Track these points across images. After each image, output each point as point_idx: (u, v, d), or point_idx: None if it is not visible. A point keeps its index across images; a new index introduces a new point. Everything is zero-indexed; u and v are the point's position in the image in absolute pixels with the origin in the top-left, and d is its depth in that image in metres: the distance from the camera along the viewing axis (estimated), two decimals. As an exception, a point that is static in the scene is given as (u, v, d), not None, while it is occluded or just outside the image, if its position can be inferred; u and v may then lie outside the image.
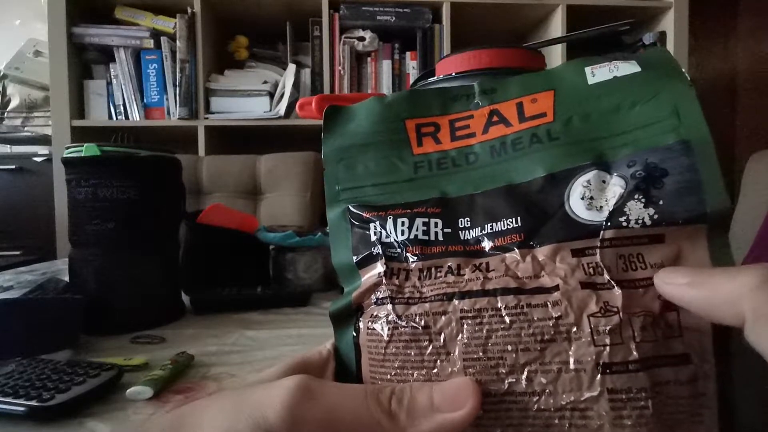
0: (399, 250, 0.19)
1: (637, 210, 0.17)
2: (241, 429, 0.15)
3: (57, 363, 0.40)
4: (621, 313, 0.15)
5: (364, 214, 0.20)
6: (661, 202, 0.16)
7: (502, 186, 0.19)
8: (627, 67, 0.19)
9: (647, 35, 1.69)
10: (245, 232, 0.75)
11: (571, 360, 0.15)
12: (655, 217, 0.16)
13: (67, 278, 0.60)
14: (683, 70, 0.18)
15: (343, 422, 0.15)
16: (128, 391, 0.38)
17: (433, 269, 0.18)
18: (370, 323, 0.19)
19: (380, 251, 0.19)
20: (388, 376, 0.18)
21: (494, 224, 0.19)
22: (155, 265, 0.60)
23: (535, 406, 0.16)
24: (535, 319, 0.16)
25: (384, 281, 0.19)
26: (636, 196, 0.17)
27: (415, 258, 0.19)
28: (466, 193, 0.20)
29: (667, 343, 0.15)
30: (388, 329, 0.18)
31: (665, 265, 0.16)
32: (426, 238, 0.19)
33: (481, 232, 0.19)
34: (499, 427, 0.16)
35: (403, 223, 0.19)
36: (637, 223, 0.16)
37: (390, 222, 0.20)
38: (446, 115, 0.21)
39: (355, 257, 0.20)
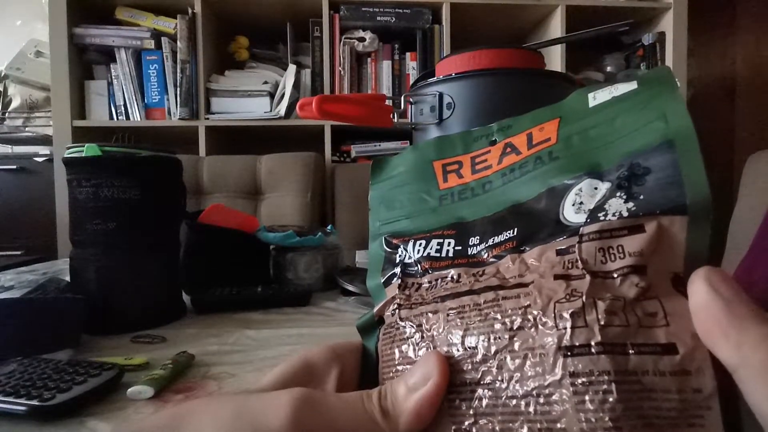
0: (416, 267, 0.22)
1: (617, 205, 0.17)
2: None
3: (58, 362, 0.41)
4: (584, 297, 0.16)
5: (393, 241, 0.23)
6: (641, 197, 0.17)
7: (508, 206, 0.21)
8: (625, 87, 0.20)
9: (646, 36, 1.69)
10: (245, 232, 0.76)
11: (536, 345, 0.16)
12: (633, 209, 0.17)
13: (68, 278, 0.60)
14: (675, 78, 0.19)
15: (343, 429, 0.16)
16: (129, 390, 0.38)
17: (439, 280, 0.20)
18: (384, 331, 0.21)
19: (399, 270, 0.22)
20: (390, 374, 0.20)
21: (495, 237, 0.20)
22: (156, 264, 0.60)
23: (505, 393, 0.16)
24: (508, 310, 0.17)
25: (398, 292, 0.21)
26: (618, 194, 0.17)
27: (427, 271, 0.21)
28: (480, 216, 0.22)
29: (646, 331, 0.15)
30: (393, 332, 0.20)
31: (644, 253, 0.16)
32: (438, 255, 0.21)
33: (484, 245, 0.20)
34: (473, 416, 0.16)
35: (420, 244, 0.22)
36: (614, 215, 0.17)
37: (411, 244, 0.22)
38: (468, 154, 0.24)
39: (382, 278, 0.23)
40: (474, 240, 0.21)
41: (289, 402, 0.16)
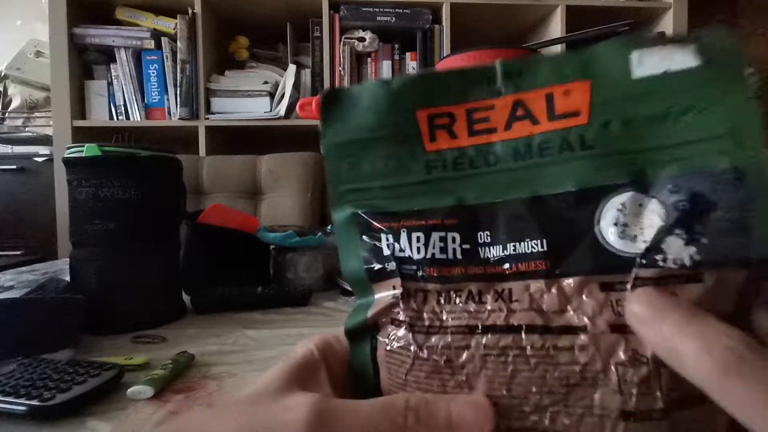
0: (414, 268, 0.18)
1: (676, 247, 0.15)
2: None
3: (58, 363, 0.41)
4: (650, 364, 0.15)
5: (375, 224, 0.19)
6: (704, 241, 0.14)
7: (526, 197, 0.17)
8: (682, 59, 0.15)
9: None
10: (246, 232, 0.76)
11: (596, 406, 0.15)
12: (696, 258, 0.15)
13: (68, 278, 0.60)
14: (750, 73, 0.14)
15: None
16: (129, 390, 0.38)
17: (452, 293, 0.17)
18: (388, 344, 0.19)
19: (395, 268, 0.18)
20: None
21: (517, 244, 0.17)
22: (156, 264, 0.60)
23: None
24: (561, 362, 0.16)
25: (401, 304, 0.18)
26: (677, 231, 0.15)
27: (433, 280, 0.18)
28: (486, 200, 0.17)
29: (688, 385, 0.14)
30: (409, 357, 0.18)
31: (699, 304, 0.15)
32: (444, 257, 0.18)
33: (503, 251, 0.17)
34: None
35: (418, 239, 0.18)
36: (675, 263, 0.15)
37: (404, 236, 0.18)
38: (463, 104, 0.18)
39: (367, 269, 0.19)
40: (484, 236, 0.17)
41: (306, 416, 0.15)
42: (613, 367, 0.15)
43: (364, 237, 0.19)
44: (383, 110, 0.18)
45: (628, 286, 0.15)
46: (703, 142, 0.15)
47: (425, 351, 0.17)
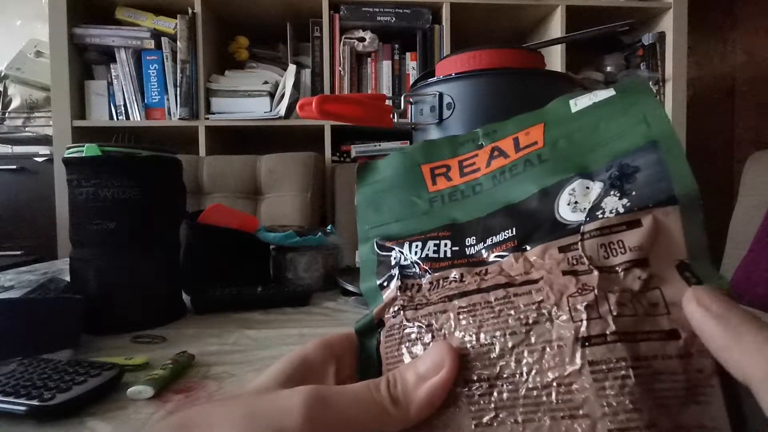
0: (414, 269, 0.22)
1: (612, 203, 0.18)
2: None
3: (58, 363, 0.41)
4: (596, 290, 0.17)
5: (386, 244, 0.24)
6: (633, 193, 0.18)
7: (502, 207, 0.22)
8: (604, 93, 0.22)
9: (646, 36, 1.69)
10: (246, 232, 0.76)
11: (553, 337, 0.17)
12: (628, 204, 0.18)
13: (67, 278, 0.60)
14: (651, 86, 0.20)
15: (356, 421, 0.16)
16: (129, 390, 0.38)
17: (441, 280, 0.21)
18: (387, 333, 0.21)
19: (397, 272, 0.22)
20: None
21: (493, 237, 0.21)
22: (156, 264, 0.60)
23: (525, 385, 0.17)
24: (521, 305, 0.18)
25: (399, 294, 0.22)
26: (612, 193, 0.19)
27: (426, 272, 0.21)
28: (474, 217, 0.22)
29: (651, 320, 0.16)
30: (399, 333, 0.20)
31: (644, 247, 0.17)
32: (436, 255, 0.22)
33: (483, 245, 0.21)
34: (493, 410, 0.17)
35: (416, 246, 0.23)
36: (611, 213, 0.18)
37: (407, 246, 0.23)
38: (456, 158, 0.25)
39: (378, 280, 0.23)
40: (470, 240, 0.22)
41: (302, 401, 0.16)
42: (565, 299, 0.17)
43: (380, 257, 0.24)
44: (397, 168, 0.26)
45: (578, 242, 0.18)
46: (624, 134, 0.20)
47: (411, 322, 0.20)
